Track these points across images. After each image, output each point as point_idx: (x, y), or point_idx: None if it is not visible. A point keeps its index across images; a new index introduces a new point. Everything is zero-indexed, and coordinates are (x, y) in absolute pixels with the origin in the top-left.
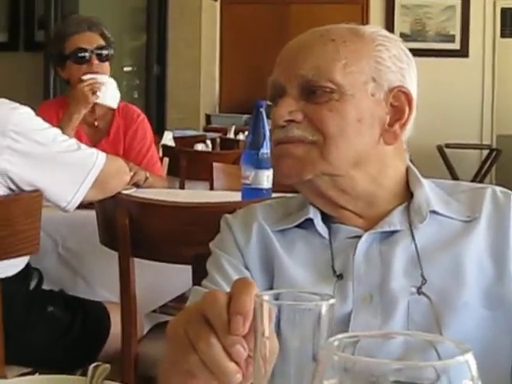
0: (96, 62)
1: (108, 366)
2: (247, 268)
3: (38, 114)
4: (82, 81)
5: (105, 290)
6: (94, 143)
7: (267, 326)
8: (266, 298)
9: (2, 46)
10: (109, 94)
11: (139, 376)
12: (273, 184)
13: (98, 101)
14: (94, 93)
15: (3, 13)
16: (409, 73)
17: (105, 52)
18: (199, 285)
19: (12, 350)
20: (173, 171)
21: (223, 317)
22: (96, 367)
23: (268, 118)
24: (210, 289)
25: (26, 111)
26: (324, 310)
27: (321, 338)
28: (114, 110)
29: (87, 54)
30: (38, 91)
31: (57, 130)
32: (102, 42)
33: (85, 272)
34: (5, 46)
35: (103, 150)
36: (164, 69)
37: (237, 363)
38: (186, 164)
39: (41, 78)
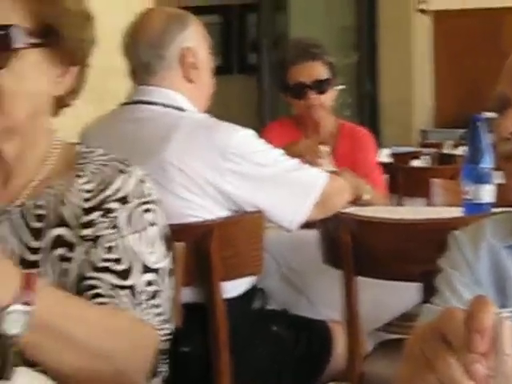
0: (314, 95)
1: None
2: (478, 285)
3: (262, 136)
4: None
5: (328, 308)
6: None
7: (509, 344)
8: (506, 315)
9: (217, 70)
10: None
11: None
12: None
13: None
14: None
15: (217, 37)
16: None
17: (324, 83)
18: (428, 302)
19: (237, 369)
20: (390, 188)
21: (462, 334)
22: None
23: (489, 131)
24: (440, 307)
25: (246, 133)
26: None
27: None
28: (339, 131)
29: (305, 90)
30: (253, 113)
31: (278, 151)
32: (321, 73)
33: (308, 291)
34: (219, 69)
35: None
36: (376, 86)
37: (476, 382)
38: (403, 181)
39: (254, 99)
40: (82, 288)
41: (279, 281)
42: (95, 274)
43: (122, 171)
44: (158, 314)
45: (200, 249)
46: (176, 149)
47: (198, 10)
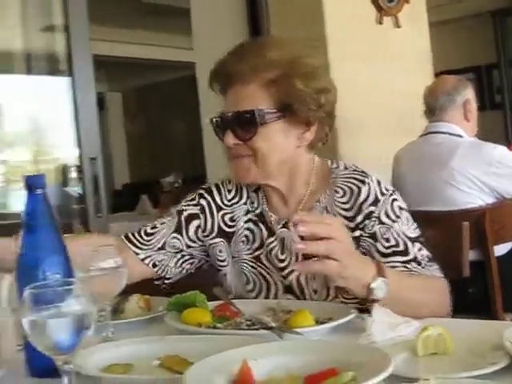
0: None
1: None
2: None
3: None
4: None
5: None
6: None
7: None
8: None
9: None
10: None
11: None
12: None
13: None
14: None
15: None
16: None
17: None
18: None
19: (506, 302)
20: None
21: None
22: None
23: None
24: None
25: (503, 148)
26: None
27: None
28: None
29: None
30: (501, 137)
31: None
32: None
33: None
34: (478, 108)
35: None
36: None
37: None
38: None
39: (502, 128)
40: None
41: None
42: (387, 259)
43: (363, 182)
44: (437, 269)
45: (478, 225)
46: (459, 161)
47: (454, 73)
